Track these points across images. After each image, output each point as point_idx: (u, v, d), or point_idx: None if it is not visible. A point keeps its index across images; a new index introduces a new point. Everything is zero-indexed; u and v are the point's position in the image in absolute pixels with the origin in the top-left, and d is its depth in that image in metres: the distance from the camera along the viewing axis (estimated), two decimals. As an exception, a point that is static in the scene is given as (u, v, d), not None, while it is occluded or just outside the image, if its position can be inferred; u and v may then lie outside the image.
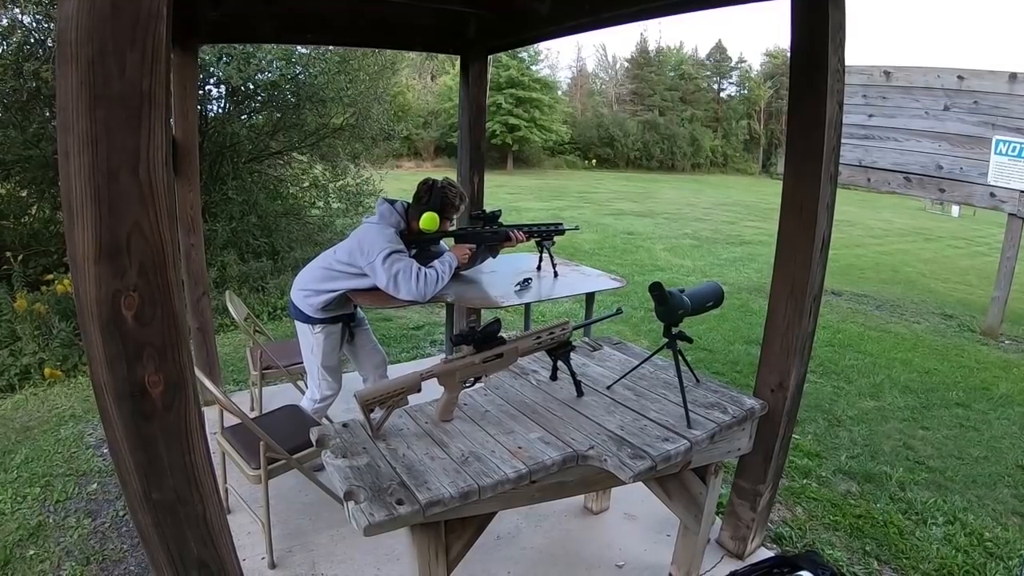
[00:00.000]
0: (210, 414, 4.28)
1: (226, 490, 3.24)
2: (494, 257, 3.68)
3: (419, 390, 2.04)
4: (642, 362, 2.65)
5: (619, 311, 2.64)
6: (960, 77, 7.68)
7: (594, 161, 38.12)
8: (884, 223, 18.65)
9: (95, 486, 3.63)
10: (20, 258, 6.03)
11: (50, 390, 4.97)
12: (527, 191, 22.70)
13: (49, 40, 6.08)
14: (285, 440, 2.88)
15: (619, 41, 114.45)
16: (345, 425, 2.13)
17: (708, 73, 47.05)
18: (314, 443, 2.06)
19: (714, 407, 2.44)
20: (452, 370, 2.07)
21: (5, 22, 6.07)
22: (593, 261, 9.98)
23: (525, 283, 3.58)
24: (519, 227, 3.61)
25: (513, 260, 4.06)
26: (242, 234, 7.91)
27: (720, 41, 49.39)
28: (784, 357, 2.72)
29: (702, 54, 47.81)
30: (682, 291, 2.35)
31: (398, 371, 4.30)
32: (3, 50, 6.13)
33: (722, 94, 47.60)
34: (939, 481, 3.99)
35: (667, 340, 2.37)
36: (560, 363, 2.39)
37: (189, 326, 4.51)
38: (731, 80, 47.82)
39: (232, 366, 5.38)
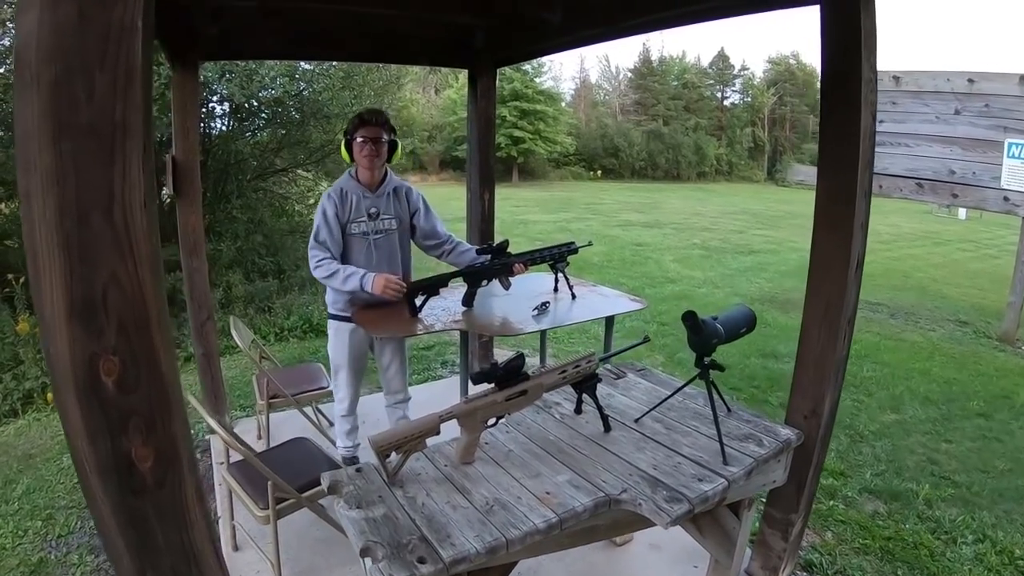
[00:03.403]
0: (216, 442, 4.17)
1: (233, 527, 3.11)
2: (507, 288, 3.45)
3: (438, 432, 1.89)
4: (672, 394, 2.49)
5: (646, 339, 2.48)
6: (970, 80, 7.53)
7: (599, 172, 37.93)
8: (892, 228, 18.39)
9: (98, 520, 3.49)
10: (22, 280, 5.95)
11: (53, 415, 4.84)
12: (533, 203, 22.54)
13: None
14: (294, 476, 2.74)
15: (622, 52, 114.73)
16: (359, 469, 1.98)
17: (711, 81, 46.91)
18: (326, 489, 1.92)
19: (749, 439, 2.29)
20: (473, 410, 1.92)
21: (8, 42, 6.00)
22: (603, 274, 9.86)
23: (543, 307, 3.42)
24: (530, 255, 3.42)
25: (528, 281, 3.86)
26: (248, 253, 7.81)
27: (722, 49, 49.13)
28: (818, 382, 2.56)
29: (705, 63, 47.65)
30: (715, 318, 2.21)
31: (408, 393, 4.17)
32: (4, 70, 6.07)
33: (725, 102, 47.42)
34: (966, 497, 3.89)
35: (699, 370, 2.23)
36: (586, 396, 2.24)
37: (193, 353, 4.39)
38: (734, 88, 47.66)
39: (239, 391, 5.25)
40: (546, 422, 2.37)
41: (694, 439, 2.26)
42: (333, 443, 3.84)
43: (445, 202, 18.89)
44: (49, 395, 5.00)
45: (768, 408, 5.16)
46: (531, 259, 3.39)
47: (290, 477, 2.70)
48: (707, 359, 2.21)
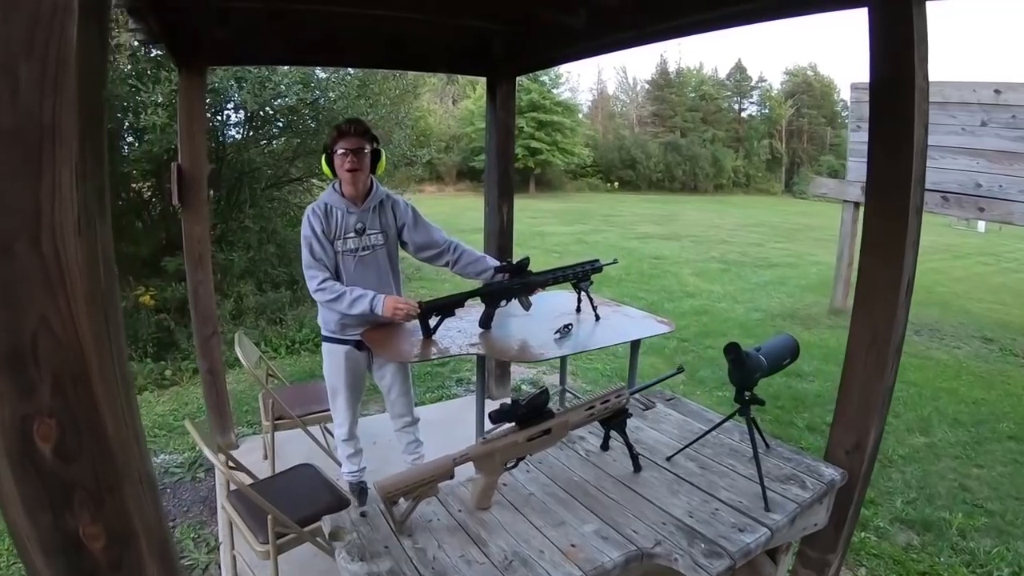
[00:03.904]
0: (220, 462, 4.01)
1: (233, 556, 2.95)
2: (527, 309, 3.23)
3: (451, 477, 1.69)
4: (709, 431, 2.28)
5: (680, 369, 2.27)
6: (997, 91, 7.28)
7: (616, 183, 37.86)
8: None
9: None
10: None
11: None
12: (550, 214, 22.40)
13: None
14: (297, 507, 2.58)
15: (639, 63, 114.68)
16: (363, 514, 1.78)
17: (728, 93, 46.81)
18: (327, 535, 1.73)
19: (791, 481, 2.09)
20: (491, 452, 1.72)
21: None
22: (621, 288, 9.67)
23: (565, 329, 3.17)
24: (552, 274, 3.22)
25: (549, 300, 3.64)
26: (260, 263, 7.67)
27: (740, 60, 49.21)
28: (863, 415, 2.35)
29: (722, 74, 47.59)
30: (757, 349, 2.01)
31: (420, 414, 3.97)
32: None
33: (743, 114, 47.32)
34: (1000, 526, 3.75)
35: (739, 406, 2.03)
36: (614, 432, 2.04)
37: (198, 367, 4.24)
38: (752, 99, 47.59)
39: (247, 405, 5.10)
40: (570, 460, 2.17)
41: (731, 480, 2.06)
42: (341, 465, 3.68)
43: (461, 212, 18.94)
44: None
45: (794, 430, 5.00)
46: (553, 279, 3.20)
47: (292, 508, 2.54)
48: (747, 394, 2.01)
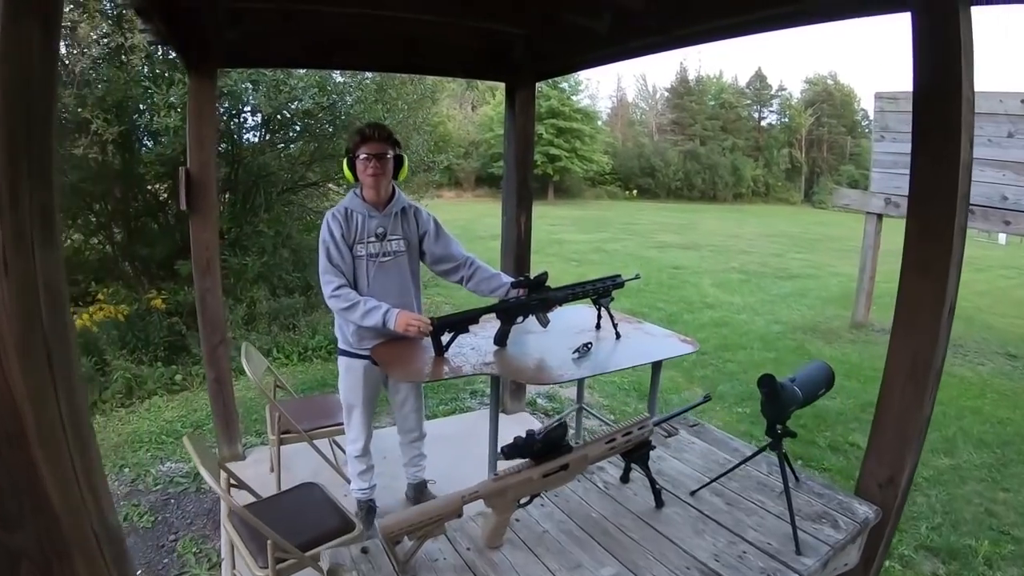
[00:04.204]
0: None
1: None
2: (545, 326, 3.06)
3: (460, 515, 1.55)
4: (737, 465, 2.13)
5: (707, 398, 2.12)
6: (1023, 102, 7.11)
7: (635, 191, 37.74)
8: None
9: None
10: None
11: None
12: (568, 222, 22.33)
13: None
14: (300, 530, 2.46)
15: (659, 70, 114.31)
16: (364, 551, 1.65)
17: (748, 101, 46.58)
18: (325, 572, 1.60)
19: (823, 520, 1.95)
20: (503, 489, 1.58)
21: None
22: (640, 298, 9.53)
23: (584, 349, 3.00)
24: (571, 289, 3.07)
25: (567, 315, 3.44)
26: (274, 268, 7.57)
27: (760, 69, 48.77)
28: (899, 447, 2.21)
29: (742, 82, 47.36)
30: (792, 379, 1.86)
31: (433, 427, 3.87)
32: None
33: (763, 122, 47.08)
34: None
35: (771, 439, 1.88)
36: (636, 465, 1.90)
37: (205, 375, 4.14)
38: (771, 108, 47.32)
39: (256, 414, 5.00)
40: (588, 493, 2.02)
41: (760, 519, 1.92)
42: (348, 481, 3.58)
43: (479, 219, 18.86)
44: None
45: (816, 450, 4.86)
46: (572, 295, 3.05)
47: (294, 530, 2.42)
48: (779, 427, 1.86)
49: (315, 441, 3.50)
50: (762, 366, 6.87)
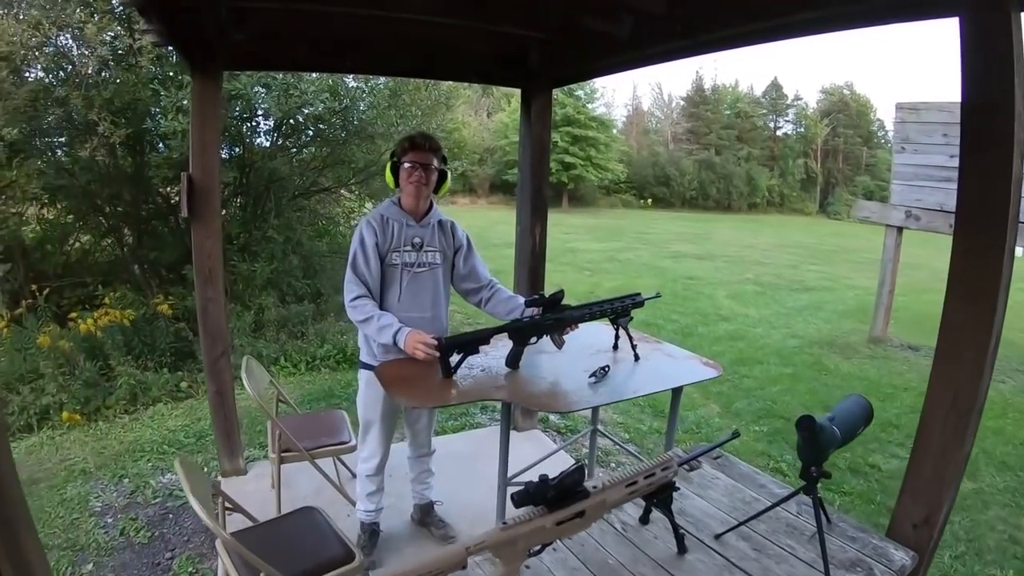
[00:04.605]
0: (227, 488, 3.78)
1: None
2: (560, 347, 2.90)
3: (464, 567, 1.38)
4: (767, 510, 1.96)
5: (736, 434, 1.94)
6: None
7: (649, 200, 37.61)
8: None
9: (90, 566, 3.30)
10: (45, 292, 6.02)
11: (67, 435, 4.83)
12: (583, 230, 22.22)
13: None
14: (297, 559, 2.34)
15: (675, 79, 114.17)
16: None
17: (764, 111, 46.29)
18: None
19: (857, 568, 1.80)
20: (513, 539, 1.41)
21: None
22: (654, 310, 9.36)
23: (602, 372, 2.79)
24: (589, 309, 2.90)
25: (582, 334, 3.10)
26: (283, 275, 7.49)
27: (776, 78, 48.49)
28: (936, 485, 2.06)
29: (758, 91, 47.07)
30: (831, 419, 1.69)
31: (442, 444, 3.73)
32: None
33: (778, 132, 46.76)
34: None
35: (805, 483, 1.72)
36: (657, 508, 1.74)
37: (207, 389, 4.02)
38: (787, 118, 47.01)
39: (260, 425, 4.89)
40: (604, 536, 1.86)
41: (790, 568, 1.76)
42: (352, 503, 3.45)
43: (493, 226, 18.77)
44: (65, 414, 4.98)
45: (836, 472, 4.64)
46: (590, 314, 2.89)
47: (291, 559, 2.30)
48: (815, 470, 1.70)
49: (319, 460, 3.36)
50: (779, 381, 6.82)
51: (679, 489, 1.71)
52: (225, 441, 3.96)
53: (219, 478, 4.05)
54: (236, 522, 2.68)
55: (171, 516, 3.75)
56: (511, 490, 2.23)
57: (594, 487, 1.48)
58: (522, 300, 3.05)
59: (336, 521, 2.66)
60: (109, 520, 3.73)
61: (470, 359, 2.77)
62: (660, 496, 1.65)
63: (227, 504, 2.58)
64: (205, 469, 4.29)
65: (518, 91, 4.34)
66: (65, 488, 4.03)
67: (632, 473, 1.55)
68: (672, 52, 3.09)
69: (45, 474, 4.23)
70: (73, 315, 5.90)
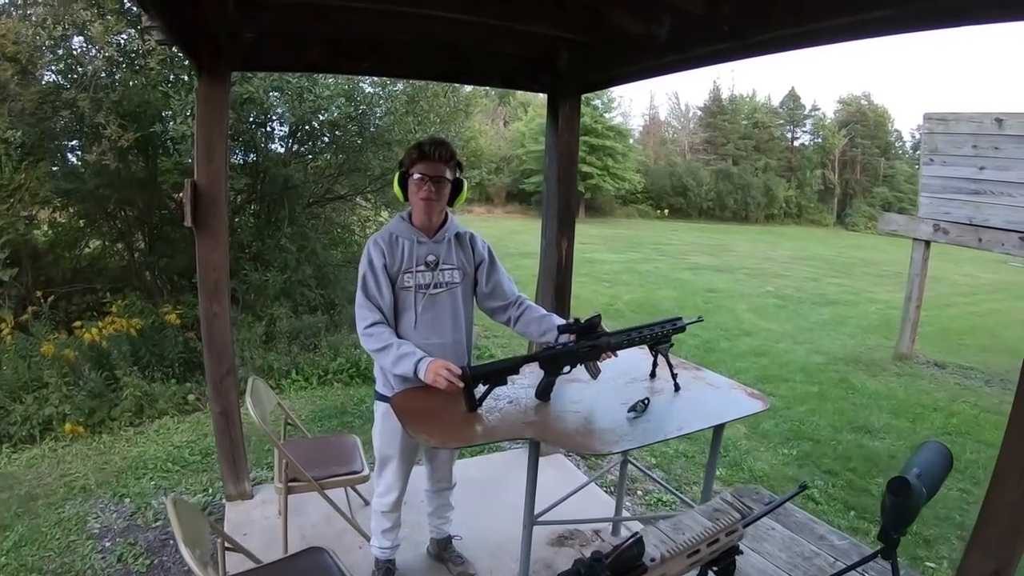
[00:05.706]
0: (231, 512, 3.66)
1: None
2: (595, 377, 2.64)
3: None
4: (844, 571, 1.67)
5: (804, 487, 1.67)
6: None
7: (666, 211, 37.43)
8: (969, 278, 17.53)
9: (85, 595, 3.17)
10: (51, 299, 5.92)
11: (69, 448, 4.72)
12: (600, 241, 22.04)
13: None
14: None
15: (692, 89, 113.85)
16: None
17: (781, 121, 46.07)
18: None
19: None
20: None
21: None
22: (677, 324, 9.13)
23: (641, 406, 2.52)
24: (627, 335, 2.63)
25: (617, 360, 2.76)
26: (296, 285, 7.30)
27: (793, 88, 48.32)
28: (1010, 539, 1.87)
29: (775, 102, 46.84)
30: (919, 475, 1.43)
31: (461, 469, 3.48)
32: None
33: (796, 143, 46.50)
34: None
35: (883, 545, 1.46)
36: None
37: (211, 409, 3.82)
38: (805, 128, 46.79)
39: (268, 444, 4.62)
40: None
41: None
42: (366, 537, 3.21)
43: (509, 235, 18.65)
44: (68, 426, 4.87)
45: (870, 500, 4.45)
46: (628, 341, 2.63)
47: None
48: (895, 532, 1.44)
49: (328, 491, 3.12)
50: (805, 401, 6.59)
51: (742, 553, 1.46)
52: (230, 464, 3.74)
53: (224, 502, 3.86)
54: (237, 561, 2.46)
55: (171, 543, 3.53)
56: (537, 530, 2.01)
57: (652, 560, 1.23)
58: (557, 321, 2.75)
59: (347, 553, 2.45)
60: (107, 544, 3.56)
61: (498, 389, 2.52)
62: (722, 564, 1.40)
63: (227, 544, 2.36)
64: (210, 490, 4.12)
65: (535, 100, 4.12)
66: (63, 506, 3.89)
67: (694, 541, 1.30)
68: (717, 54, 2.81)
69: (44, 490, 4.09)
70: (78, 324, 5.77)
